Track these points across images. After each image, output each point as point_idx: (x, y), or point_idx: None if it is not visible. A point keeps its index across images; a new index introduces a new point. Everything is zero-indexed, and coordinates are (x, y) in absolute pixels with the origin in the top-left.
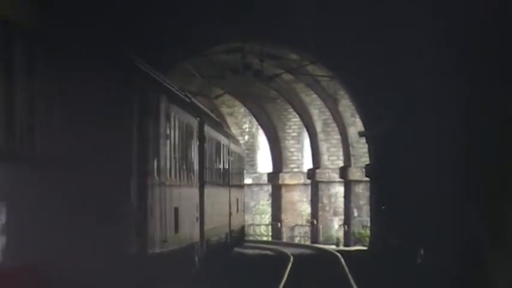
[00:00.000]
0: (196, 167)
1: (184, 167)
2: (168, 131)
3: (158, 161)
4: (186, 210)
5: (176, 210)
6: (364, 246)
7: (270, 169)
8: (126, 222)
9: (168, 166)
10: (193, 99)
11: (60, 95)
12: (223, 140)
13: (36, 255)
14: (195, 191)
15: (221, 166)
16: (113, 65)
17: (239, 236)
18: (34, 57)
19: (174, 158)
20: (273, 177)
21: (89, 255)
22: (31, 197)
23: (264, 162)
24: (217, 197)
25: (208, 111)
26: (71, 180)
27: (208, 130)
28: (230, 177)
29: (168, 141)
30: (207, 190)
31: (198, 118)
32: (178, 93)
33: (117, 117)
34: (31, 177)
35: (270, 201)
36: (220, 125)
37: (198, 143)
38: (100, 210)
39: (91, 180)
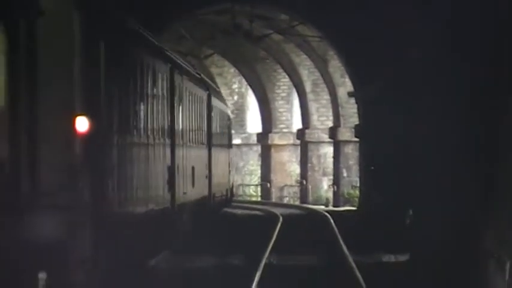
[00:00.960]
0: (205, 131)
1: (198, 132)
2: (186, 103)
3: (180, 127)
4: (200, 168)
5: (193, 168)
6: (353, 206)
7: (259, 129)
8: (163, 179)
9: (187, 131)
10: (202, 76)
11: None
12: (223, 108)
13: None
14: (205, 152)
15: (223, 130)
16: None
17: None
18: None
19: (191, 124)
20: (263, 137)
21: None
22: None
23: (253, 123)
24: (219, 158)
25: (212, 84)
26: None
27: (214, 101)
28: (229, 140)
29: (187, 111)
30: (213, 152)
31: (207, 91)
32: (193, 72)
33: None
34: None
35: (259, 162)
36: (221, 95)
37: (207, 111)
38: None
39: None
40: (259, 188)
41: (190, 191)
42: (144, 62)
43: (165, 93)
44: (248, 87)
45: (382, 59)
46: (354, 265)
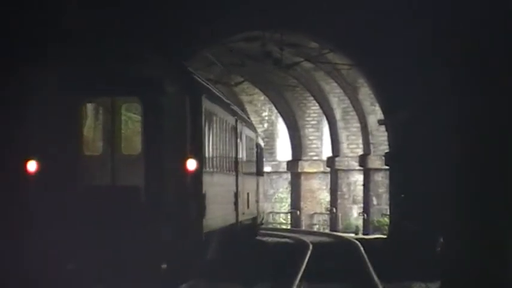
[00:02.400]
0: (254, 163)
1: (249, 163)
2: (244, 143)
3: (240, 161)
4: (251, 194)
5: (248, 194)
6: (383, 234)
7: (289, 157)
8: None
9: (242, 163)
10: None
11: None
12: (251, 134)
13: None
14: (255, 180)
15: (252, 158)
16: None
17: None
18: None
19: (246, 158)
20: (292, 165)
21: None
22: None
23: (283, 150)
24: (259, 185)
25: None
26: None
27: (254, 136)
28: (258, 167)
29: (244, 148)
30: (258, 180)
31: (255, 132)
32: (247, 118)
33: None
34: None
35: (289, 189)
36: (250, 122)
37: (256, 147)
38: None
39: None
40: (289, 216)
41: (246, 212)
42: (222, 117)
43: (232, 137)
44: (278, 114)
45: (412, 86)
46: None
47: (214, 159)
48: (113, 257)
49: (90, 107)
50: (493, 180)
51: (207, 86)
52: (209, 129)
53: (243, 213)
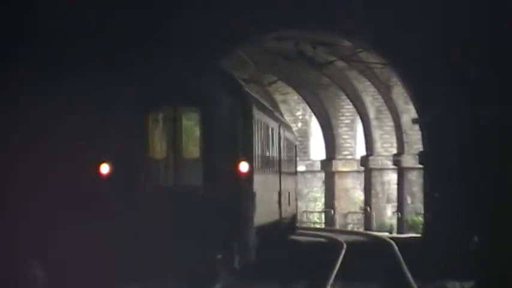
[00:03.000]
0: (294, 163)
1: (288, 163)
2: (284, 145)
3: (281, 162)
4: (291, 192)
5: (289, 193)
6: (418, 233)
7: (323, 156)
8: (276, 199)
9: (284, 164)
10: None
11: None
12: (293, 138)
13: None
14: (294, 179)
15: (293, 159)
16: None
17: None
18: None
19: (285, 158)
20: (326, 164)
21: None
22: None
23: (317, 149)
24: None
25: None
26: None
27: (289, 135)
28: (295, 167)
29: (284, 150)
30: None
31: (293, 133)
32: (286, 122)
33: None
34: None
35: (323, 188)
36: (289, 126)
37: (293, 148)
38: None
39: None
40: (323, 215)
41: (287, 209)
42: (267, 123)
43: (275, 141)
44: (312, 114)
45: (446, 85)
46: None
47: (262, 161)
48: (175, 248)
49: (155, 117)
50: None
51: (256, 97)
52: (258, 134)
53: (286, 211)
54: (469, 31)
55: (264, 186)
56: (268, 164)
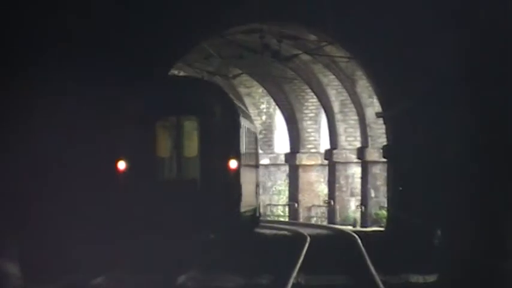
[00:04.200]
0: (255, 156)
1: (252, 156)
2: (253, 139)
3: (254, 157)
4: (258, 185)
5: (257, 185)
6: (381, 227)
7: (287, 149)
8: (254, 191)
9: (252, 158)
10: (248, 112)
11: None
12: (254, 130)
13: None
14: (255, 173)
15: (255, 152)
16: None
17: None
18: None
19: (251, 152)
20: (290, 157)
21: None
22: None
23: (281, 143)
24: (257, 177)
25: (249, 114)
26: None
27: (256, 132)
28: (257, 160)
29: (254, 143)
30: (258, 172)
31: (252, 123)
32: (245, 110)
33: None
34: None
35: (287, 182)
36: (250, 116)
37: (255, 141)
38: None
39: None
40: (287, 208)
41: (257, 200)
42: (247, 126)
43: (252, 139)
44: (276, 107)
45: (410, 79)
46: (381, 285)
47: (245, 158)
48: (178, 228)
49: (162, 124)
50: (492, 173)
51: (241, 107)
52: (242, 137)
53: (258, 200)
54: (433, 24)
55: (247, 178)
56: (248, 159)
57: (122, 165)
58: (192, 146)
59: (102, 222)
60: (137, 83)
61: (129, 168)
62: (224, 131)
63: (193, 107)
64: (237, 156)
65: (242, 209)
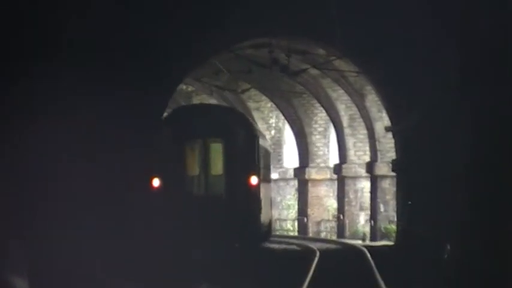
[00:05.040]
0: (269, 171)
1: (267, 171)
2: (267, 156)
3: (269, 171)
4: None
5: (271, 200)
6: (391, 241)
7: (296, 164)
8: (269, 205)
9: (267, 173)
10: (265, 135)
11: None
12: (268, 146)
13: None
14: (269, 187)
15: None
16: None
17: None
18: None
19: (267, 168)
20: (299, 172)
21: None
22: None
23: (290, 157)
24: (269, 192)
25: (263, 133)
26: None
27: (269, 150)
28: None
29: (269, 160)
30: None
31: (266, 141)
32: (261, 131)
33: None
34: None
35: (296, 196)
36: (265, 137)
37: (269, 158)
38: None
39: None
40: (296, 223)
41: (271, 213)
42: (263, 145)
43: (267, 157)
44: (285, 121)
45: (419, 93)
46: None
47: (262, 174)
48: (206, 239)
49: (191, 146)
50: (500, 188)
51: (258, 129)
52: (260, 155)
53: (271, 214)
54: (441, 39)
55: (264, 193)
56: (265, 176)
57: (156, 182)
58: (217, 165)
59: (130, 234)
60: (159, 101)
61: (162, 184)
62: (245, 151)
63: (219, 130)
64: (257, 173)
65: (261, 221)
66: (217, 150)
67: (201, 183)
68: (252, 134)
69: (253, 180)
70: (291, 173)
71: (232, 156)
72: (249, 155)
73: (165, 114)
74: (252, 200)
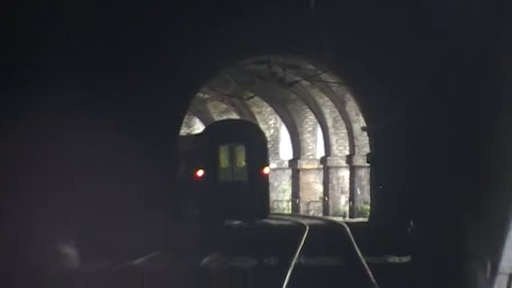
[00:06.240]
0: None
1: None
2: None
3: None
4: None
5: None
6: (365, 218)
7: (290, 156)
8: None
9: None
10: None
11: None
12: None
13: None
14: (273, 174)
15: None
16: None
17: None
18: None
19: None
20: (293, 163)
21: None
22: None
23: (285, 151)
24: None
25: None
26: None
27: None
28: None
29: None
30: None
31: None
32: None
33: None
34: None
35: (290, 182)
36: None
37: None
38: None
39: None
40: (290, 203)
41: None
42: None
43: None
44: (282, 122)
45: (389, 101)
46: (365, 264)
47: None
48: (234, 213)
49: (223, 149)
50: (448, 176)
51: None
52: (268, 153)
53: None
54: (409, 58)
55: (272, 180)
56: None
57: (200, 172)
58: (241, 161)
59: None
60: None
61: (204, 174)
62: (259, 151)
63: (241, 138)
64: (268, 165)
65: (270, 199)
66: (240, 151)
67: (230, 173)
68: (263, 140)
69: (266, 170)
70: (286, 164)
71: (250, 155)
72: (262, 153)
73: (204, 127)
74: (264, 184)
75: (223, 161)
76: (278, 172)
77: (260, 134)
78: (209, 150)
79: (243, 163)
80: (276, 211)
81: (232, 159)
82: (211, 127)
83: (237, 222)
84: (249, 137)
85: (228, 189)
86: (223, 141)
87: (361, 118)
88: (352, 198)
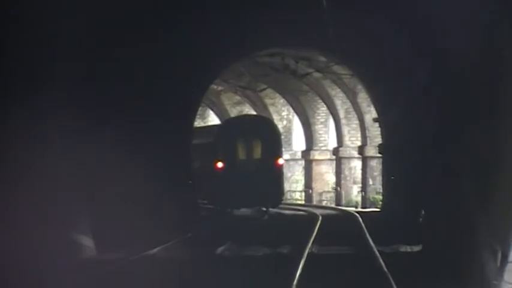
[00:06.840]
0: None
1: None
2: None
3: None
4: None
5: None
6: (377, 208)
7: (303, 147)
8: None
9: None
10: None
11: None
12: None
13: None
14: (286, 165)
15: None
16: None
17: None
18: None
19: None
20: (305, 153)
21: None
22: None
23: (298, 142)
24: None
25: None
26: None
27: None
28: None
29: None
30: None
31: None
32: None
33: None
34: None
35: (303, 173)
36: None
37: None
38: None
39: None
40: (303, 194)
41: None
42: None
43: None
44: (294, 114)
45: (400, 92)
46: (377, 253)
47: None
48: (250, 200)
49: (241, 142)
50: (459, 166)
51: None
52: (282, 146)
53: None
54: (416, 49)
55: (285, 170)
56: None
57: (220, 164)
58: (257, 153)
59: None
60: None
61: (224, 165)
62: (274, 143)
63: (257, 132)
64: (281, 157)
65: (283, 188)
66: (257, 144)
67: (247, 163)
68: (277, 133)
69: (280, 161)
70: (299, 155)
71: (266, 147)
72: (276, 146)
73: (222, 122)
74: (279, 174)
75: (241, 153)
76: (291, 163)
77: (274, 128)
78: (228, 144)
79: (259, 155)
80: (289, 201)
81: (249, 151)
82: (230, 122)
83: (250, 210)
84: (264, 131)
85: (245, 179)
86: (241, 135)
87: (372, 109)
88: (364, 189)
